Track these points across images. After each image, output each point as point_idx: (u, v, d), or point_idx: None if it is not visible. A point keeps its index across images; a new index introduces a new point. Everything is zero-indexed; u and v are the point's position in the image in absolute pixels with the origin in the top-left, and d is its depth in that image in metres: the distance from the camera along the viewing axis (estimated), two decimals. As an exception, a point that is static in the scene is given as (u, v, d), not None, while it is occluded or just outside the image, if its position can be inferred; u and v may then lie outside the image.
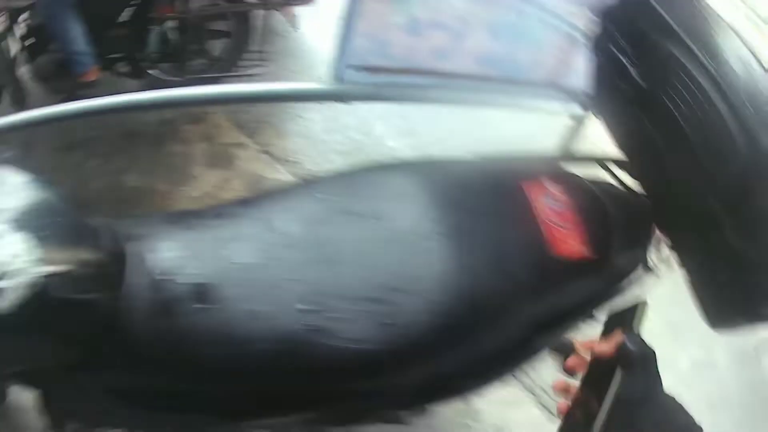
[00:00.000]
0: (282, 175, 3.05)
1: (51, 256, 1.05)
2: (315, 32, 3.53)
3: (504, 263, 1.22)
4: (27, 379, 1.27)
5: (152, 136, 3.15)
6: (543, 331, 1.33)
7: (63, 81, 3.19)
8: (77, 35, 3.02)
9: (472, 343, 1.19)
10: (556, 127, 2.65)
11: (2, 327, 0.98)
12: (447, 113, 2.93)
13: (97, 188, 3.00)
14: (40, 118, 2.80)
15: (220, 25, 3.28)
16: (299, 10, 3.25)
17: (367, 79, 2.05)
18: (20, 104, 3.23)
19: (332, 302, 1.12)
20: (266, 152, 3.12)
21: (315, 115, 3.21)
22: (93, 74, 3.14)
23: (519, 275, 1.23)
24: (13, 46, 3.19)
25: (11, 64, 3.22)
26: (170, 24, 3.16)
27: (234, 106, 3.14)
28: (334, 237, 1.18)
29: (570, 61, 2.26)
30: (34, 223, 1.06)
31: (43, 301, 1.02)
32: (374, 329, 1.11)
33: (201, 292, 1.14)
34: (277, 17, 3.27)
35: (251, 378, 1.16)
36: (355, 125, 3.21)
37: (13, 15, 3.11)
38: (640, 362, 0.84)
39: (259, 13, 3.24)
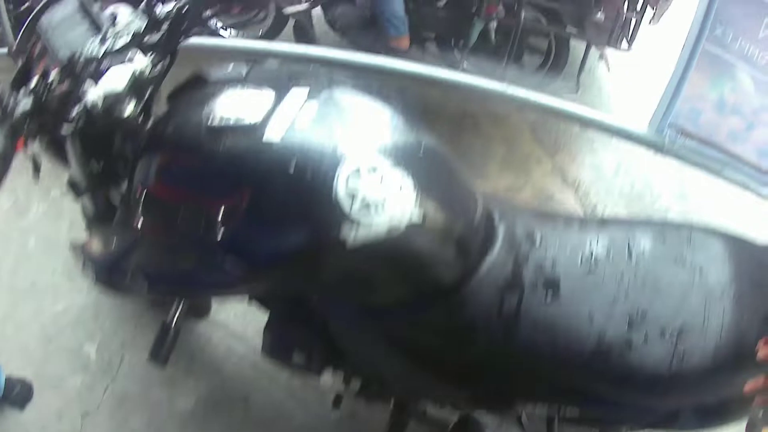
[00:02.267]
0: (568, 200, 2.99)
1: (431, 207, 1.19)
2: (625, 78, 3.53)
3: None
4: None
5: (453, 120, 3.11)
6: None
7: (364, 38, 3.21)
8: None
9: (719, 388, 1.35)
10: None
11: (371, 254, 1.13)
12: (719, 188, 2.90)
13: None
14: (331, 57, 2.75)
15: (539, 43, 3.30)
16: (615, 53, 3.26)
17: (680, 140, 2.29)
18: (310, 42, 3.22)
19: (647, 325, 1.30)
20: (560, 174, 3.06)
21: (609, 155, 3.17)
22: (404, 42, 3.16)
23: None
24: None
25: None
26: (494, 25, 3.15)
27: (539, 121, 3.10)
28: (665, 273, 1.37)
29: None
30: (422, 167, 1.20)
31: (403, 250, 1.17)
32: (670, 358, 1.27)
33: (554, 286, 1.33)
34: (593, 53, 3.27)
35: (564, 368, 1.32)
36: (640, 176, 3.16)
37: None
38: None
39: (578, 44, 3.25)
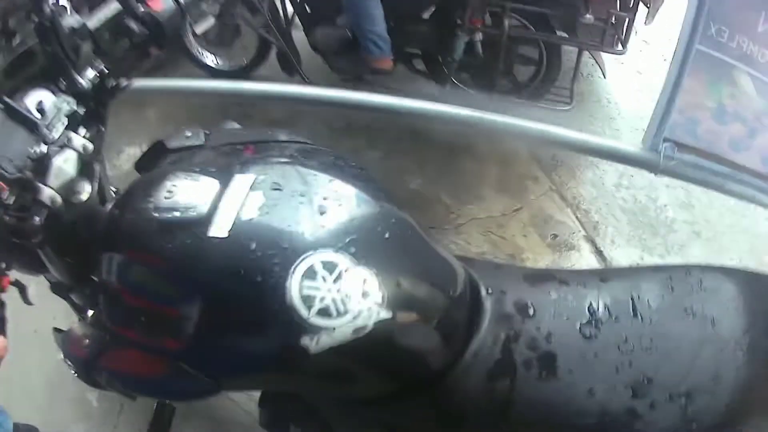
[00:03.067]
0: (569, 220, 2.87)
1: (400, 300, 1.06)
2: (621, 83, 3.41)
3: None
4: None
5: (444, 144, 3.00)
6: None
7: (346, 60, 3.09)
8: (378, 16, 2.88)
9: None
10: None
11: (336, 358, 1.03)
12: (722, 196, 2.80)
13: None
14: (315, 97, 2.67)
15: (530, 52, 3.14)
16: (610, 58, 3.12)
17: (677, 156, 2.12)
18: (290, 71, 3.13)
19: (654, 391, 1.17)
20: (558, 192, 2.94)
21: (609, 167, 3.04)
22: (387, 63, 3.02)
23: None
24: (289, 7, 3.15)
25: (285, 26, 3.15)
26: (479, 37, 3.00)
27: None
28: (674, 330, 1.24)
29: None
30: (386, 254, 1.09)
31: (377, 343, 1.05)
32: (680, 424, 1.15)
33: (550, 361, 1.20)
34: (587, 59, 3.13)
35: None
36: (644, 187, 3.03)
37: None
38: None
39: (570, 51, 3.10)
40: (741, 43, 1.93)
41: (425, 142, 2.99)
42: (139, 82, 2.16)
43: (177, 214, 1.03)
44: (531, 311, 1.27)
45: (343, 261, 1.02)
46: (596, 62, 3.09)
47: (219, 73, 3.40)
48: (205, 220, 1.02)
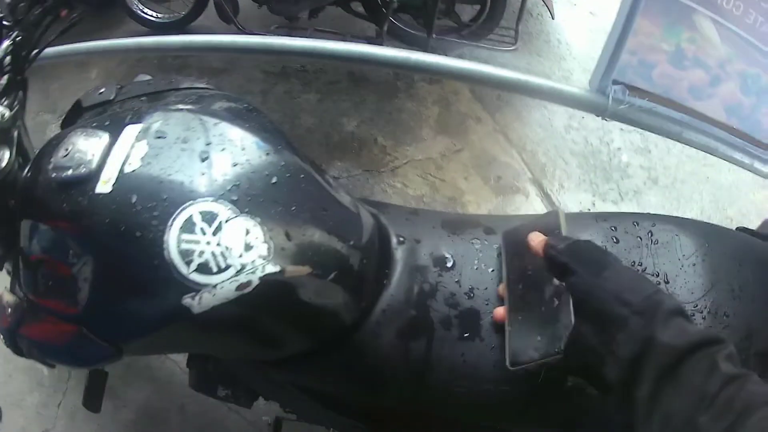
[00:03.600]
0: (514, 162, 2.73)
1: (290, 252, 0.95)
2: (573, 24, 3.27)
3: (748, 354, 1.11)
4: None
5: (383, 84, 2.88)
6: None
7: (286, 3, 2.96)
8: None
9: None
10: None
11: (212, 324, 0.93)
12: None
13: (308, 125, 2.72)
14: (247, 45, 2.55)
15: None
16: (561, -1, 2.99)
17: (628, 100, 1.90)
18: (227, 20, 3.05)
19: None
20: (503, 133, 2.80)
21: (559, 108, 2.89)
22: None
23: (757, 368, 1.09)
24: None
25: None
26: None
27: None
28: None
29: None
30: (273, 202, 0.96)
31: (268, 300, 0.94)
32: None
33: (469, 321, 1.08)
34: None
35: (487, 414, 1.11)
36: (596, 130, 2.90)
37: None
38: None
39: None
40: (702, -16, 1.79)
41: (363, 84, 2.87)
42: (71, 46, 2.16)
43: (69, 172, 0.96)
44: (450, 262, 1.14)
45: (223, 210, 0.93)
46: (544, 2, 2.95)
47: (158, 26, 3.30)
48: (94, 176, 0.95)
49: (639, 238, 1.14)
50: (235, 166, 0.96)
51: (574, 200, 2.67)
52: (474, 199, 2.60)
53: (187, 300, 0.89)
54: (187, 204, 0.92)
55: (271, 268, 0.92)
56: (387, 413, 1.20)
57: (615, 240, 1.14)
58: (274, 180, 0.98)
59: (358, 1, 3.05)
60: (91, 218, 0.92)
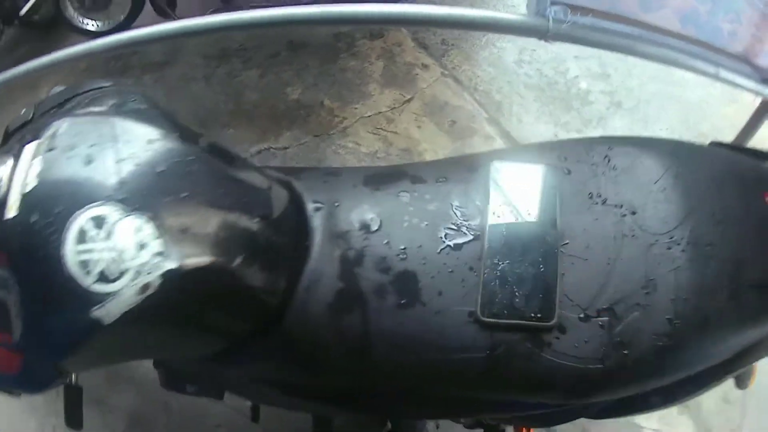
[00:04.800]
0: (467, 104, 2.65)
1: (188, 243, 0.89)
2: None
3: (740, 287, 0.98)
4: None
5: (323, 48, 2.84)
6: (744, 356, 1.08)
7: None
8: None
9: (683, 369, 0.99)
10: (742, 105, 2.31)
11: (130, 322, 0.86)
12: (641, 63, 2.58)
13: (253, 101, 2.68)
14: (188, 28, 2.51)
15: None
16: None
17: (570, 19, 1.73)
18: (165, 14, 3.06)
19: (566, 311, 0.94)
20: (452, 77, 2.72)
21: (508, 44, 2.83)
22: None
23: (753, 302, 0.99)
24: None
25: None
26: None
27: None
28: (571, 225, 0.99)
29: (765, 42, 1.93)
30: (162, 192, 0.90)
31: (176, 297, 0.88)
32: (604, 348, 0.92)
33: (406, 286, 0.98)
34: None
35: (443, 384, 1.01)
36: (549, 61, 2.82)
37: None
38: None
39: None
40: None
41: (303, 51, 2.83)
42: (11, 70, 2.16)
43: None
44: (375, 223, 1.05)
45: (112, 212, 0.88)
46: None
47: (103, 35, 3.30)
48: (2, 201, 0.92)
49: (594, 166, 1.04)
50: (118, 162, 0.91)
51: (534, 133, 2.59)
52: (430, 147, 2.53)
53: (95, 313, 0.85)
54: (78, 213, 0.87)
55: (170, 265, 0.87)
56: (348, 393, 1.11)
57: (566, 171, 1.04)
58: (160, 169, 0.93)
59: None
60: (6, 245, 0.90)
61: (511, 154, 1.16)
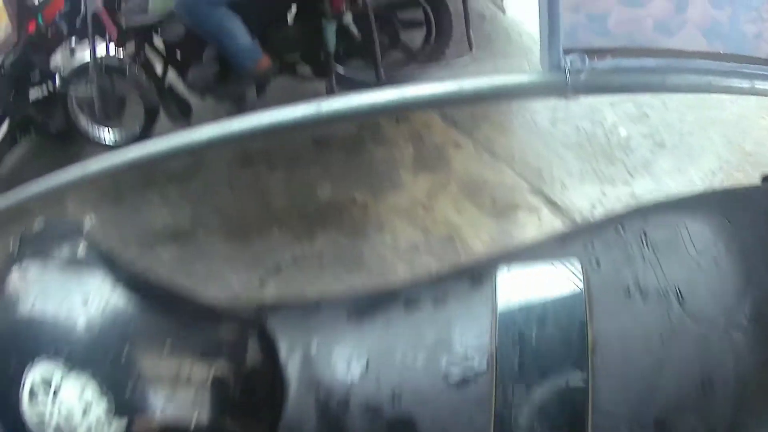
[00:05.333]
0: (506, 177, 2.52)
1: (137, 398, 0.83)
2: (525, 13, 3.07)
3: None
4: None
5: (348, 140, 2.77)
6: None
7: (225, 87, 2.96)
8: (237, 29, 2.75)
9: None
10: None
11: None
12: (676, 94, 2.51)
13: (282, 205, 2.60)
14: (208, 138, 2.43)
15: (414, 14, 2.89)
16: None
17: (589, 66, 1.55)
18: (183, 120, 3.09)
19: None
20: (487, 150, 2.60)
21: (539, 105, 2.71)
22: (265, 63, 2.83)
23: None
24: (157, 64, 3.10)
25: (160, 81, 3.09)
26: (349, 18, 2.77)
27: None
28: (608, 329, 0.81)
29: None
30: (103, 348, 0.86)
31: None
32: None
33: (406, 428, 0.85)
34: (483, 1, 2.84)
35: None
36: (585, 113, 2.70)
37: (145, 32, 2.99)
38: None
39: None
40: None
41: (327, 147, 2.78)
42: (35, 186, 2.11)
43: None
44: (361, 363, 0.91)
45: (56, 371, 0.85)
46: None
47: (119, 145, 3.27)
48: None
49: (628, 248, 0.87)
50: (57, 317, 0.89)
51: (581, 196, 2.47)
52: (473, 231, 2.40)
53: None
54: (27, 369, 0.85)
55: (119, 425, 0.81)
56: None
57: (595, 262, 0.87)
58: (100, 325, 0.89)
59: (302, 64, 2.94)
60: None
61: (525, 254, 1.00)
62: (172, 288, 1.02)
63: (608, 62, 1.63)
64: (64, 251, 1.00)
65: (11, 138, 3.57)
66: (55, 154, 3.61)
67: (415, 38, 2.95)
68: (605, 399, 0.79)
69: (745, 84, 1.71)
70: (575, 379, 0.80)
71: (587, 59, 1.55)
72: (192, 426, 0.84)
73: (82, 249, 1.00)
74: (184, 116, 3.08)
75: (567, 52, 1.55)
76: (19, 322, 0.91)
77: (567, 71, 1.60)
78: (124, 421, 0.81)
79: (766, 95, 1.77)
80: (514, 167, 2.57)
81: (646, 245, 0.86)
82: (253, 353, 0.95)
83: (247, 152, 2.87)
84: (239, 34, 2.73)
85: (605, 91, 1.86)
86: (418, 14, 2.88)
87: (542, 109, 2.72)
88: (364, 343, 0.94)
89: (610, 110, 2.70)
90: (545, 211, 2.44)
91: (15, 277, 0.96)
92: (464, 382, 0.84)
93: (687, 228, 0.86)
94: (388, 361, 0.90)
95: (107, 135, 3.34)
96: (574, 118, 2.69)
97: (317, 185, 2.66)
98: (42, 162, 3.65)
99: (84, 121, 3.32)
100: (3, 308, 0.93)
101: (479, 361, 0.84)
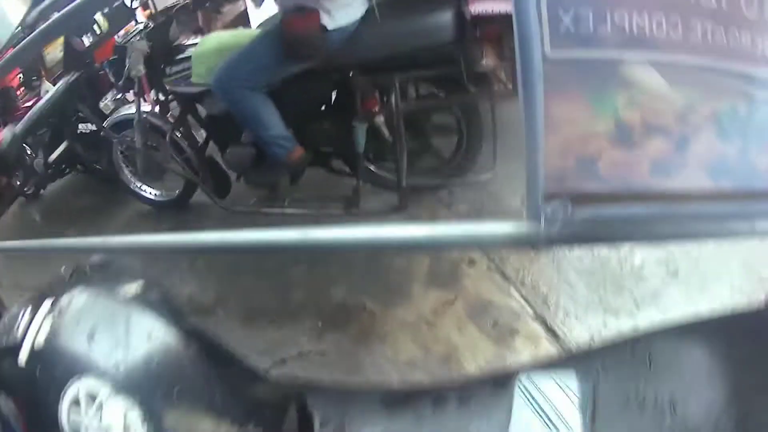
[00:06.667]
0: (512, 301, 2.57)
1: None
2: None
3: None
4: None
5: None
6: None
7: (258, 172, 3.01)
8: (272, 117, 2.77)
9: None
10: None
11: None
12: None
13: (299, 299, 2.68)
14: (238, 244, 2.51)
15: (447, 119, 2.91)
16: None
17: (572, 215, 1.49)
18: (221, 196, 3.15)
19: None
20: (499, 271, 2.65)
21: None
22: (296, 155, 2.88)
23: None
24: (199, 137, 3.18)
25: (201, 153, 3.15)
26: (381, 120, 2.80)
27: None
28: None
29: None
30: (154, 382, 0.96)
31: None
32: None
33: None
34: (508, 108, 2.82)
35: None
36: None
37: (187, 101, 2.99)
38: None
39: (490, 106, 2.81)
40: (620, 22, 1.42)
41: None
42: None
43: (3, 340, 1.05)
44: None
45: (103, 389, 0.94)
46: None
47: (159, 204, 3.43)
48: (17, 347, 1.02)
49: (635, 366, 0.96)
50: (117, 346, 0.98)
51: (582, 327, 2.46)
52: (470, 354, 2.45)
53: None
54: (74, 379, 0.94)
55: None
56: None
57: (605, 377, 0.97)
58: (156, 361, 0.98)
59: (336, 158, 3.01)
60: (18, 390, 1.01)
61: (547, 365, 1.08)
62: (225, 345, 1.11)
63: (591, 211, 1.60)
64: (126, 285, 1.12)
65: (57, 166, 3.68)
66: (95, 192, 3.79)
67: (447, 145, 2.99)
68: None
69: (743, 226, 1.68)
70: None
71: (570, 207, 1.57)
72: None
73: (142, 286, 1.12)
74: (222, 191, 3.16)
75: (549, 198, 1.54)
76: (75, 339, 1.00)
77: (543, 221, 1.58)
78: None
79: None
80: (522, 291, 2.59)
81: (650, 366, 0.93)
82: (290, 423, 1.04)
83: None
84: (274, 122, 2.78)
85: (587, 242, 1.84)
86: (449, 121, 2.90)
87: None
88: (392, 429, 1.01)
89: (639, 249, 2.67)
90: (543, 341, 2.47)
91: (81, 298, 1.07)
92: None
93: (687, 349, 0.94)
94: None
95: (149, 192, 3.46)
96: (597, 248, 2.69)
97: (334, 284, 2.75)
98: (83, 199, 3.84)
99: (126, 173, 3.44)
100: (65, 323, 1.02)
101: None
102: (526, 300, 2.58)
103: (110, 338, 0.99)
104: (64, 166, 3.76)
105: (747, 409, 0.84)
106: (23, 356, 0.99)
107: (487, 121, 2.83)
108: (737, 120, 1.60)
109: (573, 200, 1.52)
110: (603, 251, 2.68)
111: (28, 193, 3.87)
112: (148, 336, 1.01)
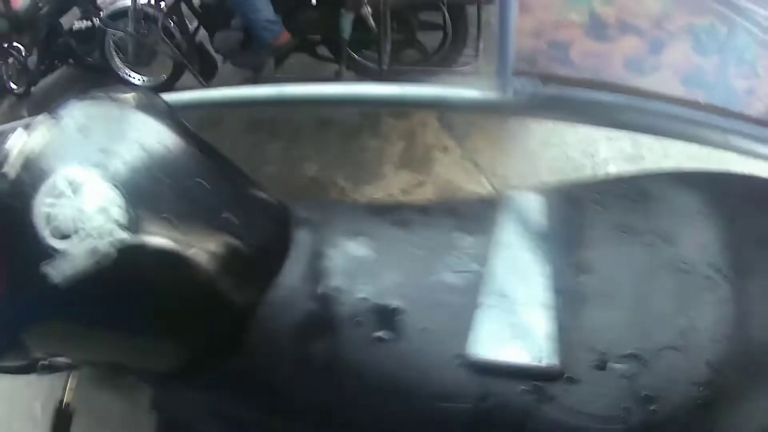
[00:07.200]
0: (481, 189, 2.57)
1: (152, 225, 0.87)
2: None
3: None
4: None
5: (348, 126, 2.87)
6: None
7: (246, 56, 3.12)
8: (262, 2, 2.88)
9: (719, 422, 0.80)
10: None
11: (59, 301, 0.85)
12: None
13: (270, 173, 2.70)
14: (224, 99, 2.54)
15: (433, 17, 2.96)
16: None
17: (539, 91, 1.51)
18: (206, 78, 3.25)
19: (578, 357, 0.80)
20: (471, 160, 2.66)
21: (535, 126, 2.73)
22: (283, 39, 2.99)
23: None
24: (191, 23, 3.23)
25: (191, 38, 3.23)
26: (368, 11, 2.87)
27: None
28: (601, 259, 0.88)
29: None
30: (151, 179, 0.90)
31: (131, 275, 0.86)
32: (625, 403, 0.77)
33: (386, 318, 0.88)
34: (493, 11, 2.85)
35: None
36: (578, 142, 2.69)
37: None
38: None
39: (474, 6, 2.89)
40: None
41: (328, 127, 2.88)
42: None
43: None
44: (364, 245, 0.97)
45: (88, 176, 0.89)
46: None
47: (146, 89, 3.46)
48: (5, 156, 0.92)
49: (630, 201, 0.97)
50: (118, 141, 0.92)
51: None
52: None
53: (45, 267, 0.84)
54: (58, 170, 0.88)
55: (124, 236, 0.85)
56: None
57: (599, 205, 0.97)
58: (150, 158, 0.92)
59: (322, 45, 3.08)
60: None
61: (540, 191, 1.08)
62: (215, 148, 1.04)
63: (562, 90, 1.51)
64: (122, 95, 1.05)
65: (50, 63, 3.76)
66: (86, 84, 3.81)
67: (432, 40, 3.03)
68: (585, 324, 0.84)
69: (717, 137, 1.67)
70: (561, 299, 0.88)
71: (539, 83, 1.50)
72: (190, 255, 0.88)
73: (140, 95, 1.05)
74: (208, 75, 3.25)
75: (519, 74, 1.49)
76: (67, 137, 0.93)
77: (512, 91, 1.48)
78: (128, 235, 0.84)
79: (741, 153, 1.74)
80: (492, 181, 2.61)
81: (645, 200, 0.96)
82: (265, 210, 1.02)
83: (255, 119, 3.01)
84: (263, 7, 2.87)
85: (553, 118, 1.82)
86: (437, 18, 2.95)
87: (538, 129, 2.74)
88: (372, 231, 0.99)
89: (606, 144, 2.68)
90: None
91: (78, 105, 1.00)
92: (456, 278, 0.91)
93: (680, 189, 0.97)
94: (390, 249, 0.97)
95: (137, 79, 3.51)
96: (567, 144, 2.70)
97: (307, 161, 2.78)
98: (74, 89, 3.86)
99: (117, 61, 3.50)
100: (60, 126, 0.94)
101: (475, 264, 0.92)
102: (495, 190, 2.58)
103: (105, 133, 0.94)
104: (57, 61, 3.79)
105: (742, 257, 0.85)
106: (10, 165, 0.90)
107: (473, 20, 2.88)
108: (715, 38, 1.61)
109: (542, 79, 1.55)
110: (576, 154, 2.69)
111: (19, 92, 3.87)
112: (145, 134, 0.95)
